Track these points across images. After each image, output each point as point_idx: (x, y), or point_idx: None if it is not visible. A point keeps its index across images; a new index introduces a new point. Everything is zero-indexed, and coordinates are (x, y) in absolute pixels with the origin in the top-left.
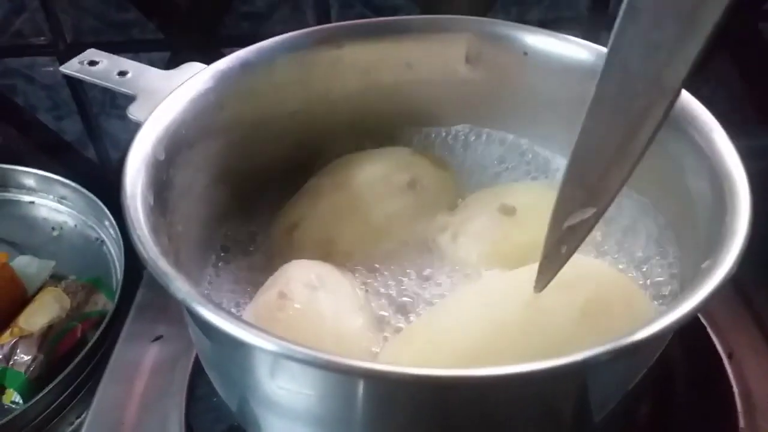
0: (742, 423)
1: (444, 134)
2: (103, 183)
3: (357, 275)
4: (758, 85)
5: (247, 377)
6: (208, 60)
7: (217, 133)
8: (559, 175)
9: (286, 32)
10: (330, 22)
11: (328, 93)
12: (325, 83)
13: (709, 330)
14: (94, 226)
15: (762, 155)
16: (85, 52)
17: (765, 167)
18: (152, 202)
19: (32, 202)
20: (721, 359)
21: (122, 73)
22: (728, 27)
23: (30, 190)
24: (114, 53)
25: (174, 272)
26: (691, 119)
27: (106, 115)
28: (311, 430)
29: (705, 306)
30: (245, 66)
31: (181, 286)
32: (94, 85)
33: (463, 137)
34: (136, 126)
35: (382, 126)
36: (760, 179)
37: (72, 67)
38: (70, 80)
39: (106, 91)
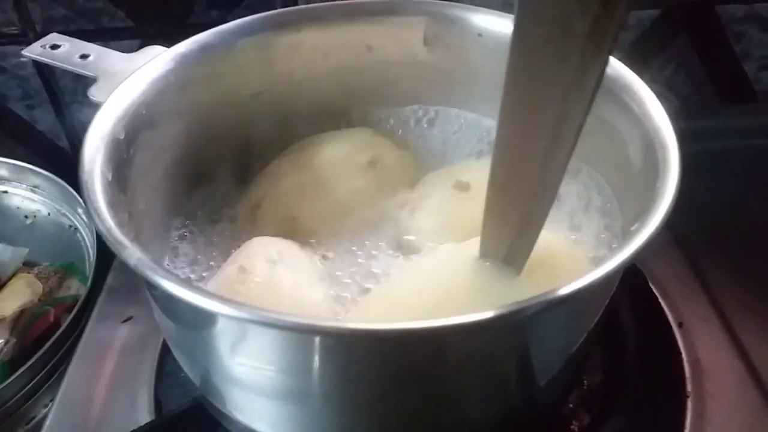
0: (689, 387)
1: (404, 114)
2: (75, 171)
3: (318, 251)
4: (716, 67)
5: (207, 349)
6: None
7: (179, 114)
8: None
9: None
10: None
11: (290, 75)
12: (287, 66)
13: (660, 300)
14: (67, 213)
15: (720, 135)
16: (48, 36)
17: (723, 146)
18: (110, 179)
19: (5, 192)
20: (671, 328)
21: (84, 56)
22: (686, 10)
23: (3, 180)
24: (85, 41)
25: (127, 241)
26: (629, 92)
27: (78, 104)
28: (269, 397)
29: (624, 265)
30: (205, 48)
31: (133, 253)
32: (65, 74)
33: (422, 117)
34: (97, 107)
35: (343, 107)
36: (717, 157)
37: (34, 51)
38: (41, 70)
39: (77, 80)
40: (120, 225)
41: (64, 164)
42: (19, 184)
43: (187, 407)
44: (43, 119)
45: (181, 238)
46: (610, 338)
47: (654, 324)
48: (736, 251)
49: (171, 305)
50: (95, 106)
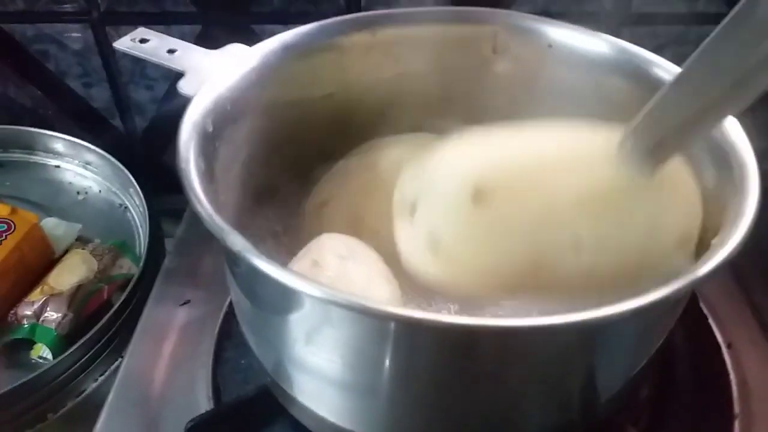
0: (737, 409)
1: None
2: (128, 151)
3: (382, 250)
4: None
5: (285, 333)
6: (237, 33)
7: (258, 111)
8: None
9: (315, 11)
10: (360, 4)
11: (360, 77)
12: (359, 68)
13: (710, 320)
14: (118, 192)
15: None
16: (136, 31)
17: None
18: (204, 169)
19: (58, 166)
20: (720, 348)
21: (171, 51)
22: None
23: (57, 154)
24: (146, 24)
25: (229, 227)
26: None
27: (134, 85)
28: (338, 386)
29: (712, 274)
30: (286, 48)
31: (236, 240)
32: (124, 55)
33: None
34: (183, 99)
35: (410, 112)
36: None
37: (124, 44)
38: (102, 49)
39: (136, 61)
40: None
41: (116, 142)
42: (72, 159)
43: (252, 395)
44: (99, 97)
45: (252, 229)
46: (662, 355)
47: (704, 343)
48: None
49: (259, 288)
50: (152, 88)
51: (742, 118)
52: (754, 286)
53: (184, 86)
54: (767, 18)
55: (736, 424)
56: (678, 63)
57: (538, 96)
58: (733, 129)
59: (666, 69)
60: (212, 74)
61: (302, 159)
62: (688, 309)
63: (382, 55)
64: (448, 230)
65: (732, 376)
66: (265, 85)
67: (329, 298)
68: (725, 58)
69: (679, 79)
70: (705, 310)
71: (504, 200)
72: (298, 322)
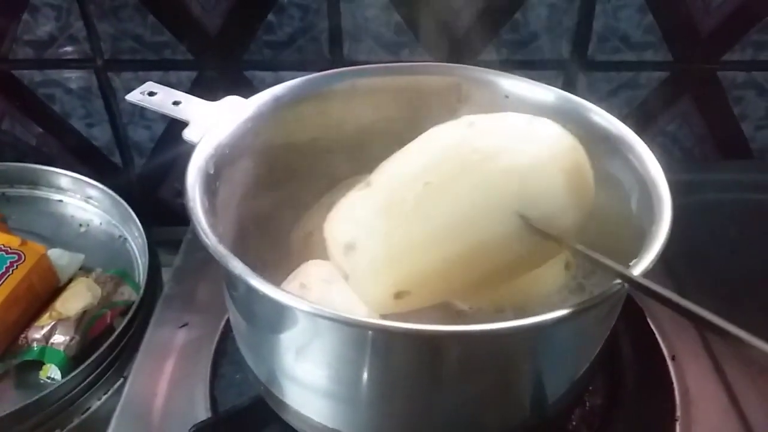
0: (678, 413)
1: None
2: (127, 186)
3: None
4: (717, 125)
5: (277, 346)
6: (230, 80)
7: (252, 154)
8: None
9: (302, 59)
10: (342, 54)
11: (342, 123)
12: (340, 115)
13: (656, 335)
14: (117, 224)
15: (718, 187)
16: (144, 85)
17: (720, 198)
18: (207, 206)
19: (61, 201)
20: (665, 360)
21: (176, 103)
22: (692, 73)
23: (60, 190)
24: (146, 70)
25: (231, 254)
26: (632, 150)
27: (133, 125)
28: (324, 396)
29: (614, 294)
30: (277, 100)
31: (237, 265)
32: (123, 98)
33: None
34: (185, 145)
35: (387, 153)
36: (714, 207)
37: (135, 97)
38: (104, 92)
39: (135, 105)
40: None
41: (116, 178)
42: (74, 194)
43: (247, 404)
44: (101, 136)
45: (246, 257)
46: (612, 366)
47: (650, 356)
48: (727, 294)
49: (255, 307)
50: (150, 128)
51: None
52: (697, 303)
53: (188, 134)
54: None
55: (677, 427)
56: (629, 105)
57: None
58: (653, 167)
59: (602, 116)
60: (212, 123)
61: (290, 194)
62: (636, 324)
63: (362, 103)
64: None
65: (675, 385)
66: (259, 131)
67: (316, 312)
68: None
69: None
70: (652, 326)
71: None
72: (289, 336)
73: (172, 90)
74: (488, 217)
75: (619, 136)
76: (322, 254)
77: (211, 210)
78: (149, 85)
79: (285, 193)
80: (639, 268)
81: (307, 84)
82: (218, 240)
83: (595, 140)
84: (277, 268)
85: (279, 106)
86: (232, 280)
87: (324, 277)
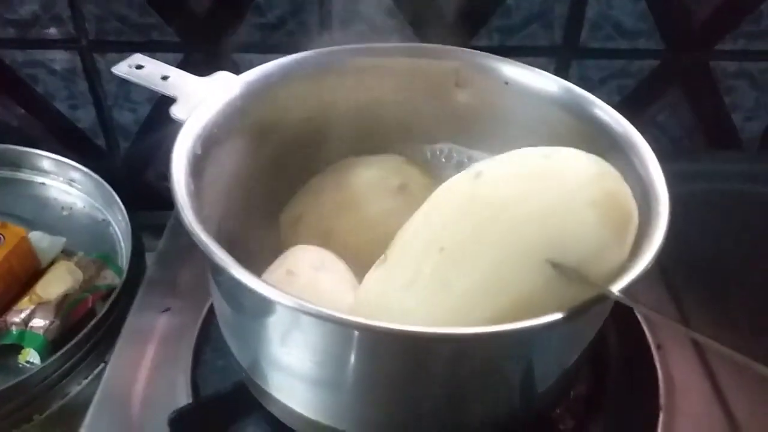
0: (662, 401)
1: (432, 148)
2: (110, 169)
3: (350, 261)
4: (707, 115)
5: (260, 335)
6: (218, 62)
7: (241, 133)
8: None
9: (290, 42)
10: (332, 37)
11: (335, 104)
12: (333, 96)
13: (642, 325)
14: (101, 208)
15: (706, 178)
16: (131, 57)
17: (708, 188)
18: (193, 189)
19: (43, 183)
20: (650, 349)
21: (164, 77)
22: (683, 63)
23: (43, 172)
24: (132, 51)
25: (217, 246)
26: (631, 147)
27: (118, 108)
28: (308, 382)
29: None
30: (268, 78)
31: (222, 255)
32: (111, 79)
33: (447, 152)
34: (171, 128)
35: (379, 135)
36: (702, 198)
37: (122, 69)
38: (89, 74)
39: (120, 85)
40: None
41: (99, 161)
42: (57, 177)
43: (229, 390)
44: (85, 118)
45: (233, 240)
46: (597, 355)
47: (636, 345)
48: (712, 284)
49: (240, 297)
50: (135, 111)
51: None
52: (683, 294)
53: (176, 111)
54: None
55: (661, 415)
56: (620, 93)
57: (495, 124)
58: (654, 168)
59: (606, 111)
60: (201, 100)
61: (280, 175)
62: (623, 314)
63: (356, 83)
64: None
65: (660, 374)
66: (249, 110)
67: (300, 308)
68: None
69: None
70: (638, 315)
71: None
72: (272, 327)
73: (161, 63)
74: (514, 274)
75: (623, 134)
76: (311, 238)
77: (197, 193)
78: (137, 58)
79: (274, 175)
80: (631, 276)
81: (299, 62)
82: (202, 228)
83: (596, 135)
84: (264, 251)
85: (270, 84)
86: (216, 269)
87: (312, 264)
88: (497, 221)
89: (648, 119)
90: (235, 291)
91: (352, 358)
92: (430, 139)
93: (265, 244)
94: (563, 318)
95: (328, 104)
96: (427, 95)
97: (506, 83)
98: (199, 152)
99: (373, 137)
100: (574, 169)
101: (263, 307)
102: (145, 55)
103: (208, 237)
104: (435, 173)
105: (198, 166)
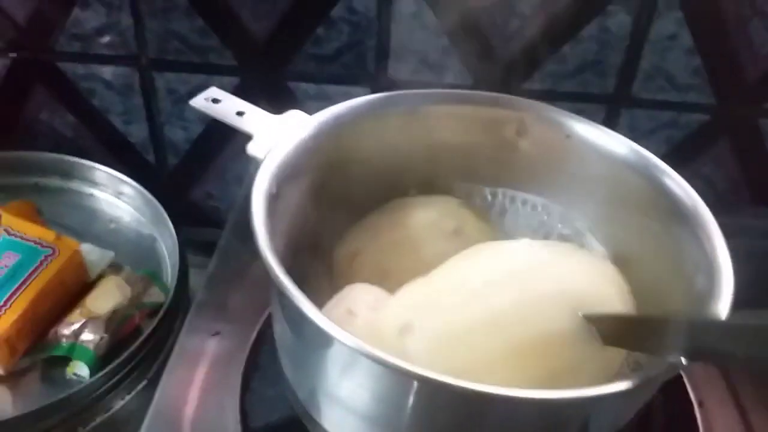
0: None
1: (488, 193)
2: (159, 185)
3: None
4: (753, 171)
5: (322, 371)
6: (273, 88)
7: (309, 172)
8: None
9: (345, 74)
10: (387, 72)
11: (398, 145)
12: (397, 137)
13: (685, 381)
14: (148, 223)
15: (749, 233)
16: (208, 90)
17: (751, 244)
18: (270, 228)
19: (92, 195)
20: (693, 406)
21: (240, 113)
22: (732, 118)
23: (93, 183)
24: (190, 72)
25: (292, 284)
26: (698, 222)
27: (170, 125)
28: (362, 422)
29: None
30: (338, 118)
31: (298, 296)
32: (166, 96)
33: (502, 197)
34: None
35: (438, 177)
36: (745, 253)
37: (198, 103)
38: (145, 90)
39: (174, 103)
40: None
41: (149, 177)
42: (106, 189)
43: (283, 421)
44: (137, 134)
45: (295, 273)
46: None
47: (678, 402)
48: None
49: (303, 331)
50: (186, 129)
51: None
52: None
53: (252, 149)
54: None
55: None
56: (668, 144)
57: (553, 174)
58: (720, 247)
59: (672, 177)
60: (276, 139)
61: (339, 212)
62: None
63: (418, 127)
64: None
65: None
66: (318, 149)
67: (366, 353)
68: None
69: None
70: (681, 372)
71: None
72: (335, 363)
73: (236, 98)
74: (552, 309)
75: (693, 210)
76: (367, 275)
77: (272, 231)
78: (213, 92)
79: (335, 212)
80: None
81: (368, 104)
82: (282, 270)
83: (662, 201)
84: (319, 285)
85: (339, 124)
86: (285, 304)
87: (371, 304)
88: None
89: (693, 172)
90: (304, 328)
91: (409, 404)
92: (489, 183)
93: (320, 278)
94: (633, 386)
95: (391, 145)
96: (489, 142)
97: (568, 137)
98: (275, 191)
99: (431, 178)
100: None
101: (329, 345)
102: (201, 76)
103: (286, 277)
104: (492, 217)
105: (272, 205)
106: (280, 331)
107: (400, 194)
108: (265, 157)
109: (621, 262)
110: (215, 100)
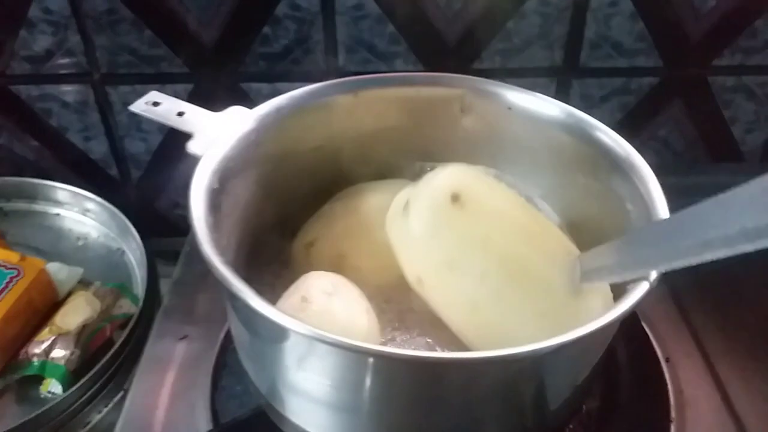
0: (673, 414)
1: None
2: (123, 198)
3: (363, 285)
4: (707, 129)
5: (277, 360)
6: (227, 91)
7: (254, 165)
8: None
9: (297, 71)
10: (338, 65)
11: (345, 132)
12: (343, 124)
13: (651, 338)
14: (115, 237)
15: (709, 190)
16: (148, 95)
17: None
18: (211, 223)
19: (58, 214)
20: (659, 362)
21: (180, 113)
22: (682, 79)
23: (57, 203)
24: (143, 83)
25: (234, 276)
26: (635, 170)
27: (130, 138)
28: (325, 406)
29: (625, 315)
30: (279, 110)
31: (241, 287)
32: (121, 110)
33: None
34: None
35: (388, 160)
36: None
37: (139, 107)
38: (101, 106)
39: (131, 116)
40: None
41: (113, 191)
42: (71, 207)
43: (248, 416)
44: (97, 149)
45: (250, 266)
46: (607, 370)
47: (644, 358)
48: (719, 295)
49: (257, 325)
50: (146, 141)
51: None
52: (690, 306)
53: (193, 147)
54: None
55: (672, 428)
56: (622, 110)
57: (499, 148)
58: (655, 188)
59: (605, 132)
60: (216, 136)
61: (292, 203)
62: (630, 327)
63: (364, 112)
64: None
65: (669, 387)
66: (262, 142)
67: (317, 336)
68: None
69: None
70: (646, 328)
71: (471, 209)
72: (290, 353)
73: (176, 100)
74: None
75: (624, 157)
76: (324, 263)
77: (215, 226)
78: (153, 95)
79: (287, 202)
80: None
81: (309, 94)
82: (222, 260)
83: (598, 156)
84: (277, 278)
85: (282, 116)
86: (234, 300)
87: (326, 289)
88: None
89: (650, 134)
90: (254, 320)
91: (367, 384)
92: (441, 161)
93: (278, 272)
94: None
95: (338, 133)
96: (434, 121)
97: (509, 108)
98: (217, 186)
99: (383, 162)
100: None
101: (280, 335)
102: (155, 87)
103: (227, 269)
104: None
105: (216, 199)
106: (234, 326)
107: (356, 182)
108: (204, 154)
109: (573, 227)
110: (155, 104)
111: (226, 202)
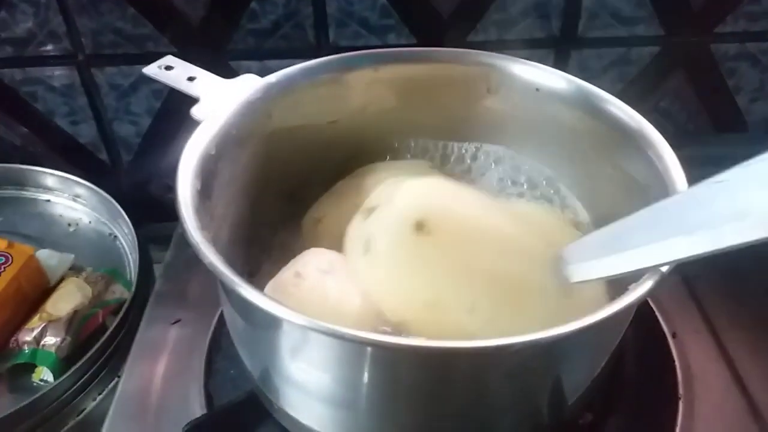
0: (681, 390)
1: (459, 149)
2: (114, 183)
3: None
4: (710, 99)
5: (269, 348)
6: (216, 70)
7: (263, 136)
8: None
9: (287, 48)
10: (328, 40)
11: (364, 107)
12: (361, 99)
13: (657, 313)
14: (107, 222)
15: (714, 162)
16: (164, 58)
17: (716, 172)
18: (199, 188)
19: (49, 200)
20: (666, 338)
21: (191, 78)
22: (684, 47)
23: (48, 189)
24: (130, 64)
25: (219, 259)
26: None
27: (119, 121)
28: (316, 401)
29: (640, 300)
30: (292, 81)
31: (225, 271)
32: (110, 93)
33: (474, 152)
34: (174, 139)
35: (408, 138)
36: None
37: (152, 71)
38: (88, 89)
39: (120, 98)
40: (210, 239)
41: (104, 176)
42: (62, 193)
43: (242, 399)
44: (86, 133)
45: (251, 240)
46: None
47: (651, 334)
48: (726, 269)
49: (245, 310)
50: (136, 124)
51: None
52: (696, 280)
53: (196, 112)
54: None
55: (680, 405)
56: (622, 80)
57: (522, 129)
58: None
59: (618, 107)
60: (222, 102)
61: (301, 176)
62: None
63: (384, 88)
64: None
65: (677, 363)
66: (271, 113)
67: (306, 325)
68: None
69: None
70: (652, 304)
71: (441, 236)
72: (280, 341)
73: (190, 65)
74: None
75: (640, 131)
76: (330, 240)
77: (206, 191)
78: (168, 59)
79: (296, 176)
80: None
81: (325, 66)
82: (206, 240)
83: (611, 131)
84: (285, 252)
85: (294, 87)
86: (221, 284)
87: (322, 267)
88: None
89: (652, 105)
90: (245, 308)
91: (363, 372)
92: (462, 140)
93: (284, 244)
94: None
95: (356, 107)
96: (458, 100)
97: (537, 90)
98: (213, 152)
99: (401, 140)
100: None
101: (269, 322)
102: (142, 66)
103: (211, 250)
104: (460, 175)
105: (211, 166)
106: (226, 310)
107: (373, 160)
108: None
109: (595, 214)
110: (168, 67)
111: (226, 171)
